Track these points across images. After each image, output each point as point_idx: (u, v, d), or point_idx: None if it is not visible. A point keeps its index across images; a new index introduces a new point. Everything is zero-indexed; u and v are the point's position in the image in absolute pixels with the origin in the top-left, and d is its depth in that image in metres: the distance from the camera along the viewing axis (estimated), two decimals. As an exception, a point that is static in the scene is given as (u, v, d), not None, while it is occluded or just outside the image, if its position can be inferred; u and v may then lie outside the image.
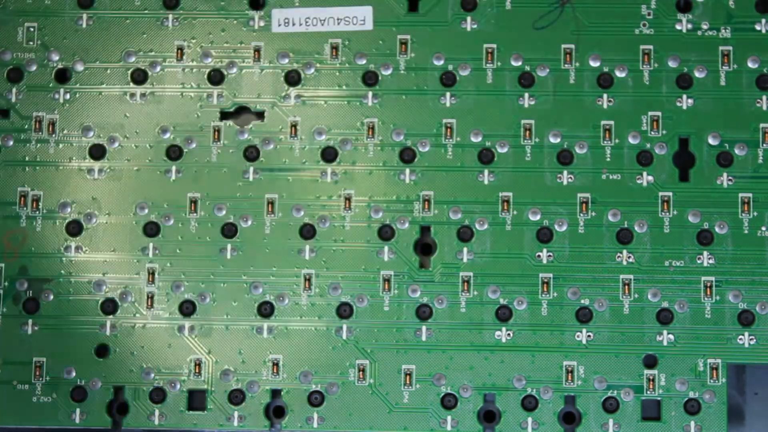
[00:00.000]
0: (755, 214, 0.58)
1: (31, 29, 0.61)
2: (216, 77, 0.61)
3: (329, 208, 0.59)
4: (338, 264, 0.59)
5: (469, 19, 0.60)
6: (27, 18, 0.61)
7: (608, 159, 0.59)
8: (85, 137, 0.60)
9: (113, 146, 0.60)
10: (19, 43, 0.61)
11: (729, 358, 0.58)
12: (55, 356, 0.59)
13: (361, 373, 0.58)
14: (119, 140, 0.60)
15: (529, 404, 0.58)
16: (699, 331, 0.58)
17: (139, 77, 0.61)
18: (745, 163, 0.59)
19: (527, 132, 0.59)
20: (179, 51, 0.61)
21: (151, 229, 0.59)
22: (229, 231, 0.59)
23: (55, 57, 0.61)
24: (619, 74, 0.59)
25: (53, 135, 0.60)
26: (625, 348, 0.58)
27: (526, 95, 0.60)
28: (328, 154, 0.60)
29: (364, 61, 0.60)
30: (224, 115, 0.60)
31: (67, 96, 0.61)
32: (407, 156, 0.60)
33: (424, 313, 0.58)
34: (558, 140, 0.59)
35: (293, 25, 0.61)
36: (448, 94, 0.60)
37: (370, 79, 0.60)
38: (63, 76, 0.61)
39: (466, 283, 0.59)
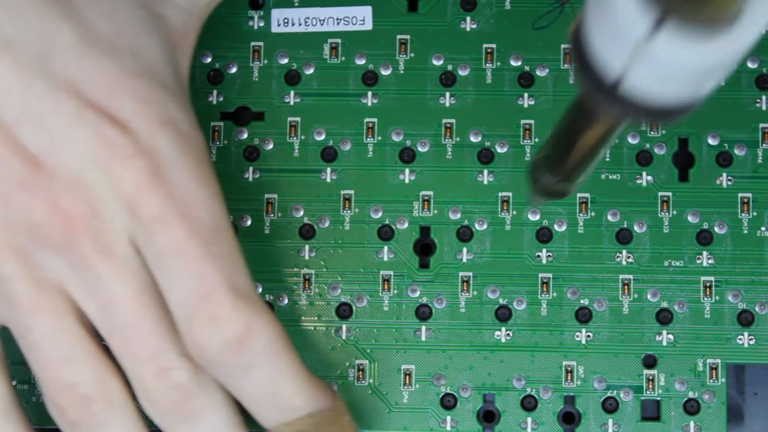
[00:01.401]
0: (755, 214, 0.58)
1: (31, 29, 0.61)
2: (216, 77, 0.61)
3: (329, 208, 0.59)
4: (338, 264, 0.59)
5: (468, 19, 0.60)
6: (27, 18, 0.61)
7: (607, 159, 0.59)
8: (85, 137, 0.60)
9: (113, 146, 0.60)
10: (19, 44, 0.61)
11: (728, 358, 0.58)
12: (56, 356, 0.59)
13: (360, 373, 0.58)
14: (119, 140, 0.60)
15: (529, 404, 0.58)
16: (698, 331, 0.58)
17: (139, 77, 0.61)
18: (745, 163, 0.59)
19: (527, 132, 0.59)
20: (179, 51, 0.61)
21: (151, 229, 0.59)
22: (228, 231, 0.59)
23: (55, 57, 0.61)
24: (619, 74, 0.59)
25: (53, 135, 0.60)
26: (624, 348, 0.58)
27: (526, 95, 0.60)
28: (328, 154, 0.60)
29: (363, 61, 0.60)
30: (224, 115, 0.60)
31: (67, 96, 0.61)
32: (407, 156, 0.60)
33: (423, 313, 0.58)
34: (557, 140, 0.59)
35: (293, 25, 0.61)
36: (447, 94, 0.60)
37: (369, 79, 0.60)
38: (63, 77, 0.61)
39: (465, 283, 0.59)
